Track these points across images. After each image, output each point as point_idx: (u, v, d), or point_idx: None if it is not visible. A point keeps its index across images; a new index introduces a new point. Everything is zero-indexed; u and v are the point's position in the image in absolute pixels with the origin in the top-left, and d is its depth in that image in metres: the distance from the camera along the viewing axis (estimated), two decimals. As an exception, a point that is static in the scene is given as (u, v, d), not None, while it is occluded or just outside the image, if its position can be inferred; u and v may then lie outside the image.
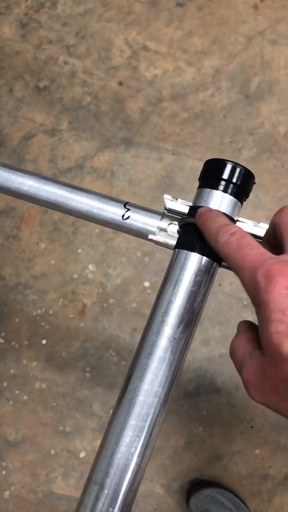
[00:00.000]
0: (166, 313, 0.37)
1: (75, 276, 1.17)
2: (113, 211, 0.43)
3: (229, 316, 1.13)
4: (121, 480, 0.34)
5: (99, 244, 1.18)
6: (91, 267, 1.18)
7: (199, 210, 0.39)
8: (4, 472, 1.13)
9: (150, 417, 0.35)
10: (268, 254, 0.32)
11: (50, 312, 1.17)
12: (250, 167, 1.23)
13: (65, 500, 1.11)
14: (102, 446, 0.36)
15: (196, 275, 0.37)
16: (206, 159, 0.41)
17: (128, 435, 0.35)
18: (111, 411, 1.13)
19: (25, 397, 1.15)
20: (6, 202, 1.22)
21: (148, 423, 0.35)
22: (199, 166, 1.20)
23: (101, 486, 0.34)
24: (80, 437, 1.13)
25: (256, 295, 0.30)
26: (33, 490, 1.12)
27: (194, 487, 1.07)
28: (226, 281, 1.13)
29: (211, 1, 1.29)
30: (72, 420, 1.13)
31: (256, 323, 0.33)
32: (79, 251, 1.18)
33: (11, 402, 1.15)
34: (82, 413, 1.13)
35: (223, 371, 1.11)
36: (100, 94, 1.26)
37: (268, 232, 0.39)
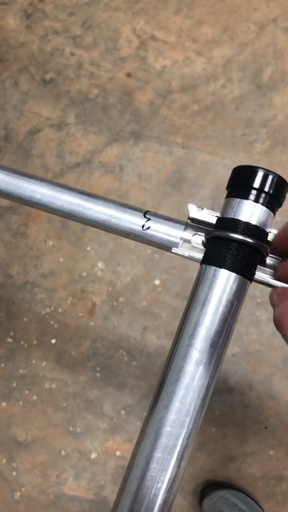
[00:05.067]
0: (193, 335, 0.34)
1: (84, 274, 1.15)
2: (132, 221, 0.40)
3: (242, 315, 1.10)
4: (147, 517, 0.32)
5: (108, 241, 1.15)
6: (100, 264, 1.15)
7: (277, 292, 0.35)
8: (14, 473, 1.11)
9: (177, 449, 0.33)
10: None
11: (59, 310, 1.14)
12: (263, 160, 1.19)
13: (77, 501, 1.10)
14: (125, 480, 0.33)
15: (227, 294, 0.34)
16: (235, 166, 0.38)
17: (154, 469, 0.32)
18: (122, 412, 1.11)
19: (35, 398, 1.13)
20: (13, 198, 1.19)
21: (175, 455, 0.33)
22: (210, 160, 1.17)
23: (126, 524, 0.32)
24: (91, 437, 1.11)
25: None
26: (44, 491, 1.11)
27: (207, 488, 1.05)
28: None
29: (222, -12, 1.24)
30: (82, 421, 1.11)
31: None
32: (88, 248, 1.16)
33: (20, 403, 1.13)
34: (93, 413, 1.11)
35: (236, 371, 1.09)
36: (107, 86, 1.23)
37: (280, 236, 0.36)
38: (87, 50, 1.25)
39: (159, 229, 0.40)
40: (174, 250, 0.39)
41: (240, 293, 0.35)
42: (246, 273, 0.35)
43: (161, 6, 1.25)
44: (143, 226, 0.40)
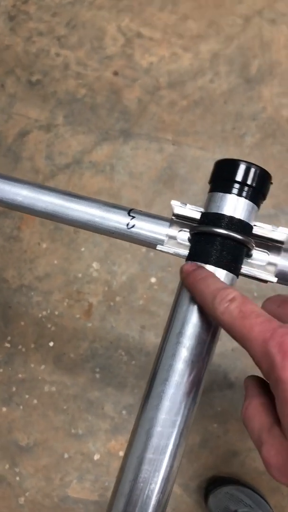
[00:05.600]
0: (181, 333, 0.34)
1: (80, 275, 1.14)
2: (117, 220, 0.39)
3: (240, 309, 1.09)
4: (141, 520, 0.31)
5: (102, 241, 1.15)
6: (95, 265, 1.14)
7: (184, 268, 0.35)
8: (17, 478, 1.11)
9: (169, 449, 0.32)
10: (275, 322, 0.29)
11: (56, 313, 1.14)
12: (254, 154, 1.19)
13: (81, 503, 1.10)
14: (118, 482, 0.33)
15: (213, 290, 0.34)
16: (217, 160, 0.37)
17: (146, 470, 0.32)
18: (123, 412, 1.10)
19: (35, 401, 1.12)
20: (4, 202, 1.18)
21: (167, 455, 0.32)
22: (201, 155, 1.16)
23: (120, 528, 0.31)
24: (93, 439, 1.10)
25: (272, 371, 0.27)
26: (48, 495, 1.10)
27: (212, 485, 1.05)
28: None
29: (205, -19, 1.23)
30: (84, 422, 1.11)
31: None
32: (82, 249, 1.15)
33: (21, 407, 1.12)
34: (94, 414, 1.11)
35: (236, 366, 1.08)
36: (95, 85, 1.22)
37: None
38: (72, 50, 1.24)
39: (144, 227, 0.39)
40: (159, 247, 0.38)
41: (227, 288, 0.35)
42: (231, 268, 0.35)
43: (145, 2, 1.25)
44: (127, 224, 0.39)
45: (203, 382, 0.34)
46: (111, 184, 1.17)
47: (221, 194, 0.36)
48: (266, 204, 1.10)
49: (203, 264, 0.35)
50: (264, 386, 0.32)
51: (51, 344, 1.13)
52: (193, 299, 0.34)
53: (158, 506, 0.32)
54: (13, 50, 1.26)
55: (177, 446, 0.32)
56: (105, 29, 1.25)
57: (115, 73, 1.22)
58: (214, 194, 0.36)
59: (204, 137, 1.16)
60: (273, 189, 1.16)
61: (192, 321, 0.34)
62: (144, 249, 1.13)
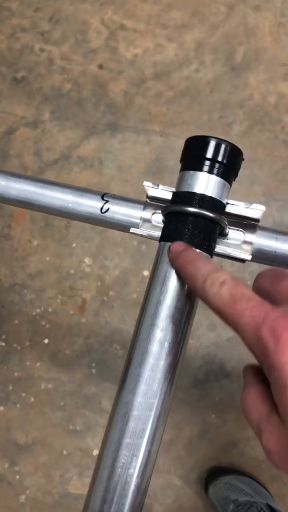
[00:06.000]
0: (155, 315, 0.33)
1: (72, 271, 1.14)
2: (90, 205, 0.39)
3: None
4: (120, 506, 0.30)
5: (93, 236, 1.14)
6: (87, 260, 1.14)
7: (172, 248, 0.34)
8: (17, 477, 1.11)
9: (147, 433, 0.31)
10: (266, 305, 0.28)
11: (50, 310, 1.13)
12: (242, 141, 1.18)
13: (82, 499, 1.09)
14: (97, 469, 0.32)
15: (186, 270, 0.33)
16: (187, 137, 0.36)
17: (124, 455, 0.31)
18: (121, 406, 1.10)
19: (32, 399, 1.12)
20: (-6, 201, 1.18)
21: (145, 439, 0.31)
22: (190, 145, 1.16)
23: (99, 514, 0.31)
24: (92, 434, 1.10)
25: (265, 356, 0.27)
26: (49, 492, 1.10)
27: (212, 475, 1.05)
28: (227, 262, 1.09)
29: None
30: (81, 418, 1.10)
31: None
32: (74, 245, 1.14)
33: (18, 406, 1.12)
34: (92, 410, 1.10)
35: (232, 355, 1.08)
36: (80, 79, 1.21)
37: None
38: (56, 45, 1.23)
39: (119, 211, 0.39)
40: (132, 230, 0.38)
41: (201, 267, 0.34)
42: (205, 247, 0.34)
43: (128, -6, 1.24)
44: (101, 209, 0.38)
45: (180, 364, 0.33)
46: (100, 179, 1.16)
47: (191, 172, 0.35)
48: (256, 191, 1.10)
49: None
50: (262, 374, 0.31)
51: (46, 341, 1.13)
52: (179, 281, 0.33)
53: (137, 492, 0.31)
54: (-4, 48, 1.25)
55: (154, 430, 0.32)
56: (88, 22, 1.24)
57: (100, 67, 1.21)
58: (184, 173, 0.36)
59: (191, 127, 1.16)
60: (263, 177, 1.15)
61: (166, 302, 0.33)
62: (136, 242, 1.13)
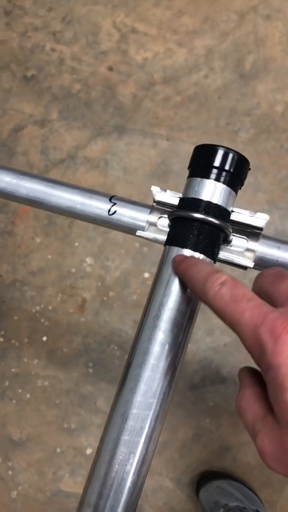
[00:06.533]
0: (157, 317, 0.34)
1: (73, 270, 1.14)
2: (98, 206, 0.40)
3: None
4: (116, 501, 0.31)
5: (96, 236, 1.15)
6: (89, 260, 1.14)
7: (176, 259, 0.35)
8: (10, 472, 1.11)
9: (144, 432, 0.32)
10: (266, 306, 0.28)
11: (49, 308, 1.14)
12: (248, 149, 1.19)
13: (74, 497, 1.10)
14: (94, 465, 0.33)
15: (190, 274, 0.34)
16: (196, 145, 0.37)
17: (121, 452, 0.32)
18: (116, 406, 1.11)
19: (28, 396, 1.12)
20: (-1, 197, 1.18)
21: (142, 438, 0.32)
22: (195, 150, 1.16)
23: (95, 509, 0.31)
24: (86, 433, 1.11)
25: (263, 356, 0.27)
26: (41, 489, 1.10)
27: (203, 479, 1.05)
28: (227, 268, 1.10)
29: (200, -23, 1.24)
30: (76, 417, 1.11)
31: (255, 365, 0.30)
32: (76, 244, 1.15)
33: (14, 401, 1.13)
34: (87, 409, 1.11)
35: (228, 361, 1.09)
36: (90, 80, 1.22)
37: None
38: (68, 45, 1.24)
39: (125, 214, 0.39)
40: (138, 233, 0.38)
41: (204, 272, 0.35)
42: (209, 253, 0.35)
43: (140, -2, 1.25)
44: (109, 211, 0.39)
45: (180, 366, 0.34)
46: (105, 180, 1.17)
47: (199, 179, 0.36)
48: (260, 199, 1.11)
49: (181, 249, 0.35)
50: (257, 377, 0.32)
51: (45, 338, 1.13)
52: (182, 285, 0.34)
53: (133, 488, 0.32)
54: (8, 46, 1.26)
55: (152, 429, 0.32)
56: (100, 24, 1.25)
57: (110, 69, 1.22)
58: (192, 180, 0.36)
59: (198, 132, 1.17)
60: (267, 185, 1.16)
61: (169, 305, 0.34)
62: (137, 244, 1.13)
